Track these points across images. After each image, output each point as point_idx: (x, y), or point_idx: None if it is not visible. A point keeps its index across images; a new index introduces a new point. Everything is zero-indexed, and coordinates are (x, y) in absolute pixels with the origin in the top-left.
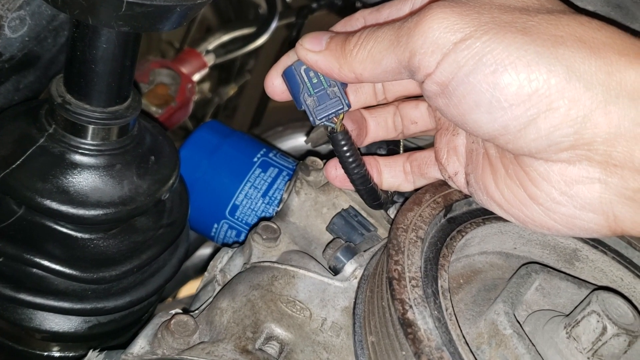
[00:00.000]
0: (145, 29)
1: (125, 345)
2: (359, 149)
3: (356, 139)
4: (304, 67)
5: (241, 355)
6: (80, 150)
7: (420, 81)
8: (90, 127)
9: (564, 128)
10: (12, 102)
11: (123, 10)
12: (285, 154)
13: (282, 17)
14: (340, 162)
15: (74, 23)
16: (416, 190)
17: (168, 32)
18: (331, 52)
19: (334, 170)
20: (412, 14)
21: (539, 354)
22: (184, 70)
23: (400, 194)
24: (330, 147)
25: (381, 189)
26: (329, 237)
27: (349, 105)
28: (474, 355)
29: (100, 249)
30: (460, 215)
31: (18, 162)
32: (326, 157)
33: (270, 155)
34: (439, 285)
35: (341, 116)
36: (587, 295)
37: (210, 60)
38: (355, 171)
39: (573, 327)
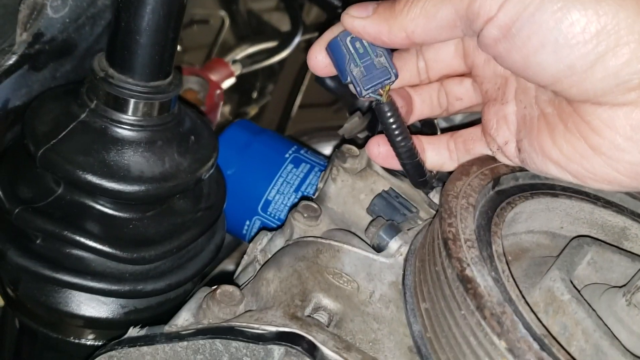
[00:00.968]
0: None
1: (166, 321)
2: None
3: (403, 115)
4: (350, 37)
5: (291, 321)
6: (122, 125)
7: (478, 29)
8: (132, 101)
9: (633, 64)
10: None
11: None
12: (316, 151)
13: (304, 32)
14: (387, 135)
15: None
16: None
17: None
18: (380, 15)
19: (377, 147)
20: None
21: (600, 318)
22: (212, 77)
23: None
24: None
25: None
26: (368, 221)
27: (396, 75)
28: (535, 313)
29: (139, 230)
30: (508, 188)
31: (59, 137)
32: (361, 146)
33: (302, 152)
34: (494, 249)
35: (387, 87)
36: None
37: (237, 69)
38: (402, 144)
39: (633, 293)
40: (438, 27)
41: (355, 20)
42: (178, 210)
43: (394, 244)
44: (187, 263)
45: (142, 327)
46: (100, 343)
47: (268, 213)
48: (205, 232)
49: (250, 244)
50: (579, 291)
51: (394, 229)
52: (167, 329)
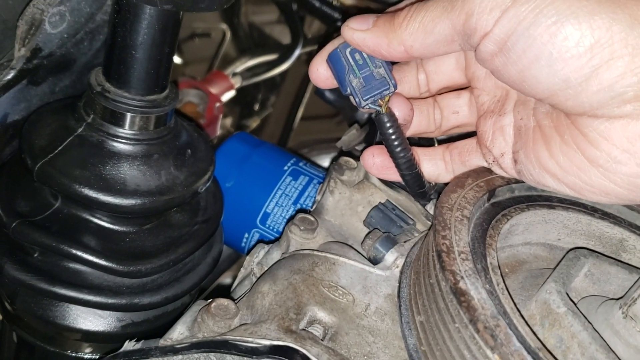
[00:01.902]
0: (187, 7)
1: (161, 334)
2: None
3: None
4: (350, 49)
5: (285, 334)
6: (118, 139)
7: (475, 44)
8: (129, 115)
9: (627, 77)
10: None
11: None
12: (315, 164)
13: (304, 45)
14: (386, 145)
15: (115, 8)
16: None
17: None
18: (379, 28)
19: (372, 158)
20: None
21: (596, 331)
22: (212, 90)
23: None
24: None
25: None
26: (365, 234)
27: (395, 86)
28: (529, 326)
29: (136, 243)
30: (504, 200)
31: (56, 151)
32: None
33: (301, 164)
34: (488, 261)
35: (387, 98)
36: None
37: (237, 82)
38: (401, 155)
39: (630, 305)
40: (436, 41)
41: (355, 32)
42: (175, 223)
43: (390, 257)
44: (184, 276)
45: (137, 341)
46: (97, 356)
47: (267, 225)
48: (202, 245)
49: (247, 257)
50: (575, 304)
51: (390, 241)
52: (162, 342)
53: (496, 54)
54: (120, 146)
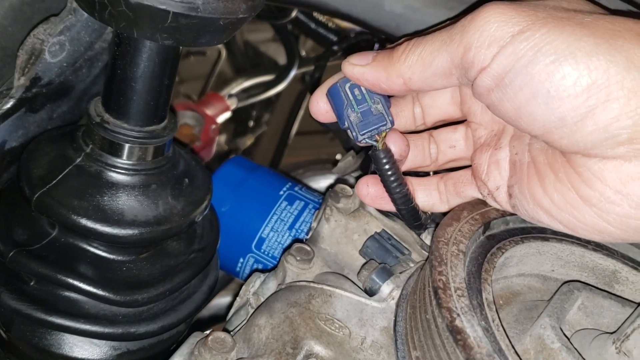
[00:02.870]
0: (188, 43)
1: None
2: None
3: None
4: (349, 84)
5: None
6: (116, 169)
7: (472, 78)
8: (127, 146)
9: (622, 120)
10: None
11: (168, 22)
12: (310, 188)
13: (300, 65)
14: (382, 181)
15: (116, 42)
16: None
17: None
18: (378, 62)
19: (366, 188)
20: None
21: None
22: (208, 112)
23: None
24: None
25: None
26: (361, 263)
27: (392, 123)
28: None
29: (133, 272)
30: (499, 233)
31: (54, 181)
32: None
33: (296, 189)
34: (484, 297)
35: (384, 134)
36: (636, 309)
37: (232, 103)
38: (397, 190)
39: (623, 341)
40: (434, 74)
41: (355, 67)
42: (171, 252)
43: (386, 288)
44: (180, 305)
45: None
46: None
47: (262, 251)
48: (198, 273)
49: (243, 287)
50: (568, 339)
51: (386, 273)
52: None
53: (493, 89)
54: (119, 177)
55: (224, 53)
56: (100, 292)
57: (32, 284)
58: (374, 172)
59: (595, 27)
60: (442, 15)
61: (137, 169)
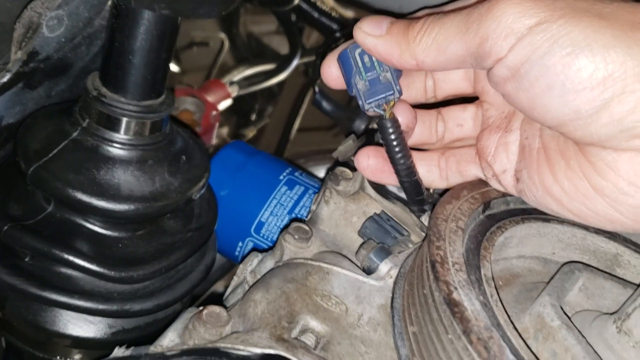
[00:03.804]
0: (186, 13)
1: (152, 341)
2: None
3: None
4: (359, 50)
5: (277, 343)
6: (113, 144)
7: (488, 67)
8: (124, 120)
9: (638, 112)
10: None
11: None
12: (311, 174)
13: (302, 55)
14: (387, 151)
15: (114, 13)
16: (447, 190)
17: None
18: (393, 37)
19: (366, 160)
20: (480, 2)
21: (590, 345)
22: (209, 98)
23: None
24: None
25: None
26: (360, 244)
27: (400, 92)
28: (523, 339)
29: (128, 249)
30: (499, 213)
31: (50, 155)
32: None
33: (296, 174)
34: (482, 273)
35: (392, 103)
36: (637, 288)
37: (234, 91)
38: (401, 161)
39: (624, 320)
40: (448, 60)
41: (367, 37)
42: (168, 230)
43: (384, 267)
44: (176, 283)
45: (127, 347)
46: None
47: (261, 235)
48: (195, 252)
49: (240, 265)
50: (569, 317)
51: (385, 252)
52: (152, 349)
53: (508, 79)
54: (115, 151)
55: (226, 44)
56: (95, 267)
57: (26, 259)
58: (378, 144)
59: (614, 19)
60: None
61: (134, 143)
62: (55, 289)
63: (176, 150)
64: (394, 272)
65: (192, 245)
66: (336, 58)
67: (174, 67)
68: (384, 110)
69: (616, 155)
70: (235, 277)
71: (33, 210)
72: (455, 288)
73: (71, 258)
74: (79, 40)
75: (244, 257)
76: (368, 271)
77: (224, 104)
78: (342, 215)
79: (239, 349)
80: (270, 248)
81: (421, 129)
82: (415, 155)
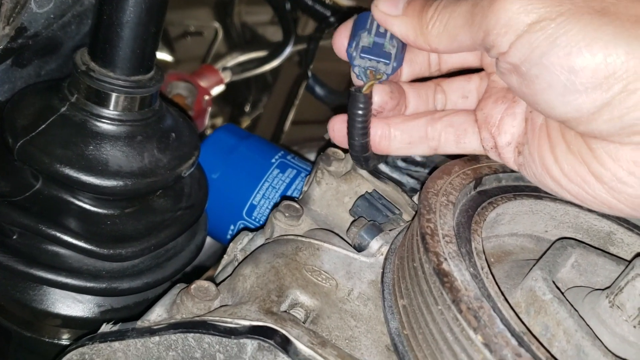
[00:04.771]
0: None
1: (139, 317)
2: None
3: (395, 108)
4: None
5: (266, 315)
6: (102, 119)
7: (494, 57)
8: (113, 95)
9: (639, 110)
10: None
11: None
12: (303, 157)
13: (296, 42)
14: (348, 124)
15: None
16: (434, 168)
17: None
18: (408, 19)
19: (339, 124)
20: None
21: (582, 318)
22: (202, 83)
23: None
24: None
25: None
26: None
27: (393, 70)
28: (514, 311)
29: (117, 226)
30: (491, 189)
31: (38, 130)
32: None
33: (289, 157)
34: (473, 246)
35: (378, 76)
36: (630, 262)
37: (227, 76)
38: (356, 139)
39: (616, 294)
40: (459, 47)
41: (384, 16)
42: (157, 208)
43: (374, 244)
44: (166, 262)
45: (115, 324)
46: None
47: (253, 218)
48: (184, 231)
49: (231, 244)
50: (561, 291)
51: (376, 229)
52: (139, 324)
53: (512, 73)
54: (104, 126)
55: (220, 33)
56: (83, 244)
57: (14, 237)
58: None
59: (616, 14)
60: None
61: (122, 119)
62: (43, 267)
63: (166, 127)
64: (385, 249)
65: (182, 224)
66: (349, 27)
67: (167, 57)
68: (368, 79)
69: (617, 146)
70: (225, 256)
71: (21, 186)
72: (445, 259)
73: (59, 235)
74: (68, 19)
75: (234, 237)
76: (359, 248)
77: (217, 90)
78: (333, 195)
79: (226, 322)
80: (261, 227)
81: (417, 102)
82: (394, 121)
